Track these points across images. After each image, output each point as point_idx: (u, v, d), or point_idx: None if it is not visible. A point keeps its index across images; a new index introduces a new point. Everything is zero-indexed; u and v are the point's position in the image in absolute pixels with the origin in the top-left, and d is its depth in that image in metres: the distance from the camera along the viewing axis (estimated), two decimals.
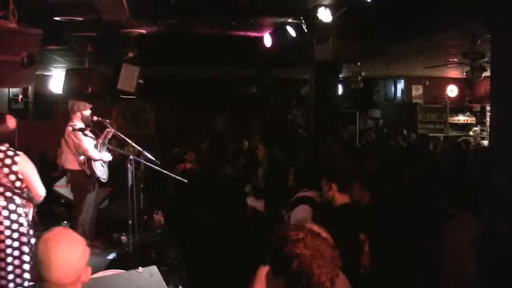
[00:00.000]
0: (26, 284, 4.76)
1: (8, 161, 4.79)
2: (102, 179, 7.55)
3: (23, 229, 4.87)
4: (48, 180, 7.29)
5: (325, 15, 6.78)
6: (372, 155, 8.41)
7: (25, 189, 4.97)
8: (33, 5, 6.05)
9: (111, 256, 7.22)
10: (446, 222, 4.40)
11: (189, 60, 11.67)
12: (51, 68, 13.00)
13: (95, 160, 7.37)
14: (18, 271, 4.77)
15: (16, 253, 4.78)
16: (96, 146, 7.40)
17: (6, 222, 4.76)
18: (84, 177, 7.34)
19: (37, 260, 2.33)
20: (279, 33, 8.41)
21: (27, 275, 4.78)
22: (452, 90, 16.28)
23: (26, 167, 4.93)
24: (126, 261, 5.63)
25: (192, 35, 9.10)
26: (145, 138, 12.28)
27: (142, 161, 6.59)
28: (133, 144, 6.93)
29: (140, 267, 3.25)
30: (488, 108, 10.73)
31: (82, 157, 7.28)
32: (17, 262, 4.78)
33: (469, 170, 6.53)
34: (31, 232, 4.98)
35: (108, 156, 7.67)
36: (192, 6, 7.03)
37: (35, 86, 14.01)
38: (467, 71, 9.48)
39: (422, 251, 4.40)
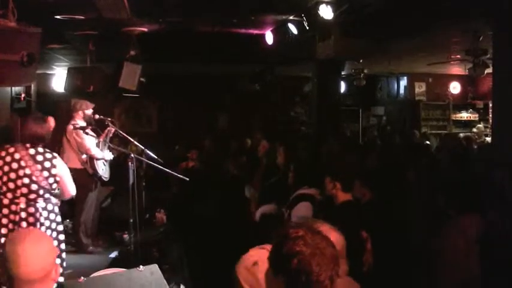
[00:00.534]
0: None
1: (47, 164, 4.84)
2: (104, 178, 7.57)
3: (60, 227, 5.03)
4: None
5: (326, 12, 6.76)
6: (373, 151, 8.39)
7: (58, 188, 5.02)
8: (34, 4, 6.06)
9: (113, 255, 7.25)
10: (446, 222, 4.39)
11: (191, 58, 11.66)
12: (54, 67, 13.01)
13: (98, 159, 7.39)
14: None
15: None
16: (97, 145, 7.41)
17: (47, 223, 4.87)
18: (86, 176, 7.35)
19: (5, 258, 2.35)
20: (280, 30, 8.40)
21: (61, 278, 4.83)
22: (455, 87, 16.21)
23: (63, 169, 5.01)
24: (128, 260, 5.63)
25: (194, 32, 9.09)
26: (148, 136, 12.28)
27: (144, 159, 6.60)
28: (135, 142, 6.93)
29: (141, 266, 3.24)
30: (491, 105, 10.75)
31: (84, 156, 7.29)
32: (58, 261, 4.83)
33: (471, 168, 6.51)
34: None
35: (110, 155, 7.69)
36: (193, 4, 7.03)
37: (37, 84, 14.02)
38: (470, 68, 9.44)
39: (422, 250, 4.39)
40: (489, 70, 8.29)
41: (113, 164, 7.90)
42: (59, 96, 12.82)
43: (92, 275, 3.30)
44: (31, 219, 4.78)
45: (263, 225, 5.88)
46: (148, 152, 6.69)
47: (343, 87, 13.62)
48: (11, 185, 4.77)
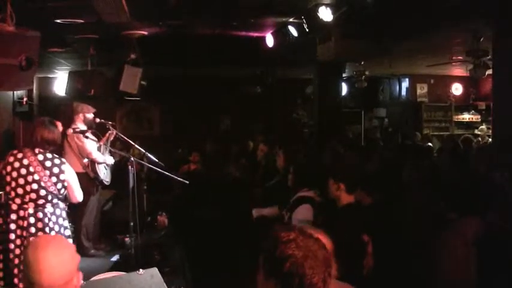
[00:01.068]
0: None
1: (55, 170, 4.86)
2: (105, 182, 7.57)
3: (68, 232, 5.07)
4: None
5: (325, 14, 6.76)
6: (374, 153, 8.38)
7: (65, 193, 5.07)
8: (35, 8, 6.08)
9: (114, 258, 7.25)
10: (446, 225, 4.38)
11: (192, 61, 11.67)
12: (56, 70, 13.04)
13: (99, 163, 7.39)
14: None
15: None
16: (99, 149, 7.42)
17: (56, 228, 4.90)
18: (87, 180, 7.34)
19: (26, 263, 2.35)
20: (280, 33, 8.40)
21: None
22: (457, 89, 16.21)
23: (71, 175, 5.04)
24: (130, 263, 5.64)
25: (195, 35, 9.11)
26: (149, 139, 12.32)
27: (145, 163, 6.60)
28: (136, 146, 6.94)
29: (141, 269, 3.25)
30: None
31: (86, 160, 7.30)
32: None
33: (471, 169, 6.50)
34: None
35: (111, 159, 7.69)
36: (192, 7, 7.04)
37: (39, 88, 14.10)
38: (471, 69, 9.43)
39: (422, 253, 4.38)
40: (490, 71, 8.28)
41: (114, 168, 7.91)
42: (61, 99, 12.85)
43: (92, 279, 3.32)
44: (39, 225, 4.80)
45: (262, 228, 5.89)
46: (149, 155, 6.69)
47: (344, 89, 13.61)
48: (20, 191, 4.79)
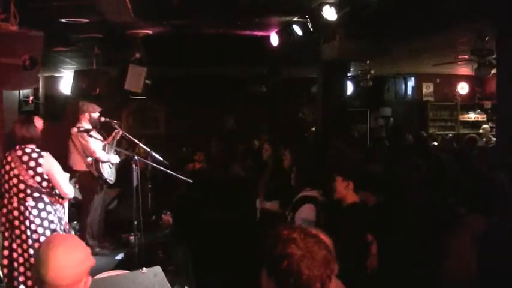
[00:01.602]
0: None
1: (32, 164, 5.06)
2: (109, 181, 7.58)
3: (54, 226, 5.17)
4: None
5: (330, 13, 6.76)
6: (379, 152, 8.36)
7: (54, 188, 5.24)
8: (39, 7, 6.10)
9: (119, 256, 7.28)
10: (453, 222, 4.37)
11: (198, 60, 11.68)
12: (61, 70, 13.07)
13: (103, 162, 7.40)
14: None
15: None
16: (104, 148, 7.43)
17: (37, 221, 5.06)
18: (91, 179, 7.38)
19: (36, 260, 2.37)
20: (285, 32, 8.41)
21: None
22: (463, 88, 16.14)
23: (50, 168, 5.16)
24: (134, 262, 5.66)
25: (200, 34, 9.11)
26: (155, 138, 12.34)
27: (149, 162, 6.61)
28: (141, 145, 6.95)
29: (144, 268, 3.26)
30: None
31: (89, 159, 7.32)
32: None
33: (474, 169, 6.48)
34: (67, 227, 5.43)
35: (116, 159, 7.70)
36: (197, 6, 7.04)
37: (45, 87, 14.14)
38: (476, 68, 9.39)
39: (426, 251, 4.37)
40: (495, 70, 8.25)
41: (119, 166, 7.92)
42: (67, 98, 12.87)
43: (95, 277, 3.32)
44: (21, 218, 5.04)
45: (264, 224, 5.90)
46: (154, 154, 6.70)
47: (350, 88, 13.59)
48: (6, 186, 5.11)
